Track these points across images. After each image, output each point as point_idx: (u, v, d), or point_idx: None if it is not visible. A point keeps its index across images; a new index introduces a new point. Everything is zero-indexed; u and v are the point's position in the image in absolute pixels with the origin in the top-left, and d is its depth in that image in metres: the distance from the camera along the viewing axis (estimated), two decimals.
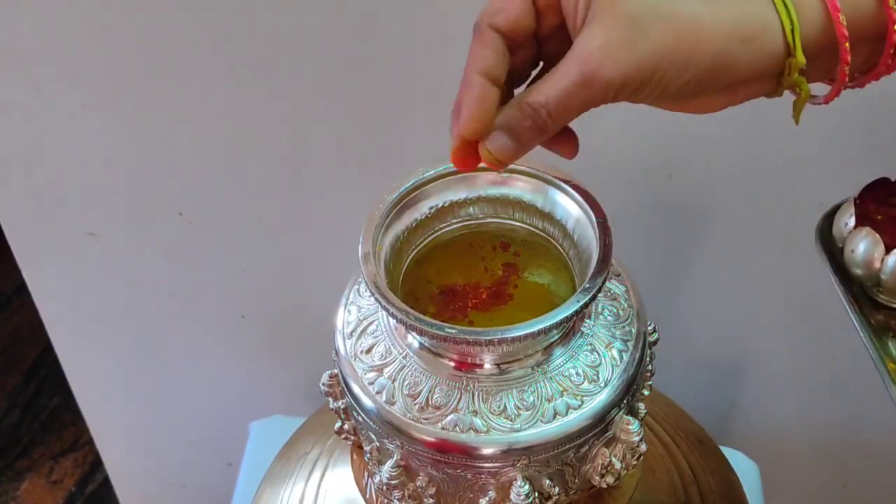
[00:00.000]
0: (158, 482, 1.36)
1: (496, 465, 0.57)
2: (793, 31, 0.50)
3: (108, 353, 1.19)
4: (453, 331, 0.54)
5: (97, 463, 1.72)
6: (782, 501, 1.26)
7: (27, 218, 1.05)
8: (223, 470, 1.28)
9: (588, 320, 0.60)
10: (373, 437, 0.60)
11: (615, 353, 0.59)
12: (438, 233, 0.63)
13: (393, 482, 0.59)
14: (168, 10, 0.88)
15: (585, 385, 0.58)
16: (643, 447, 0.60)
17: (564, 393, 0.57)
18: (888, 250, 0.65)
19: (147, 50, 0.91)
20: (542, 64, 0.56)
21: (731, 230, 1.01)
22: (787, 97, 0.59)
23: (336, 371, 0.62)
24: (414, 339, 0.59)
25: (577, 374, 0.58)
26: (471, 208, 0.63)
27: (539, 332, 0.54)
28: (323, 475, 0.75)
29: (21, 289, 1.95)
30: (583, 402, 0.57)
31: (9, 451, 1.78)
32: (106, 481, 1.63)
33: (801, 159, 0.95)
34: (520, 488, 0.57)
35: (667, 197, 0.99)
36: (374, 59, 0.91)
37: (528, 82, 0.55)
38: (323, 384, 0.64)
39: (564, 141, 0.55)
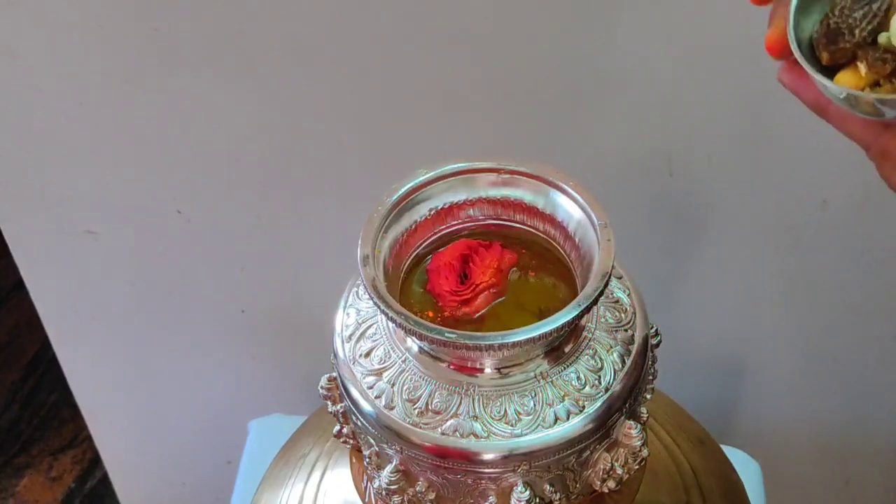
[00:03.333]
0: (157, 479, 1.37)
1: (496, 470, 0.56)
2: None
3: (107, 351, 1.19)
4: (453, 335, 0.54)
5: (96, 459, 1.71)
6: (784, 500, 1.26)
7: (25, 216, 1.05)
8: (222, 467, 1.28)
9: (590, 324, 0.59)
10: (372, 441, 0.59)
11: (617, 357, 0.59)
12: (438, 235, 0.62)
13: (392, 487, 0.59)
14: (164, 8, 0.88)
15: (587, 390, 0.57)
16: (645, 452, 0.60)
17: (565, 398, 0.57)
18: None
19: (143, 48, 0.91)
20: None
21: (732, 228, 1.01)
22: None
23: (335, 374, 0.62)
24: (413, 343, 0.59)
25: (579, 378, 0.57)
26: (471, 210, 0.62)
27: (540, 337, 0.54)
28: (322, 477, 0.75)
29: (19, 285, 1.94)
30: (584, 406, 0.57)
31: (8, 447, 1.78)
32: (105, 478, 1.63)
33: (803, 157, 0.95)
34: (520, 494, 0.57)
35: (667, 195, 0.99)
36: (374, 60, 0.91)
37: None
38: (321, 388, 0.63)
39: None
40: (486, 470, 0.57)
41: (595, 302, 0.55)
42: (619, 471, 0.59)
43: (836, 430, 1.22)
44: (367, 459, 0.61)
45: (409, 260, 0.62)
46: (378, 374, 0.59)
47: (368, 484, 0.66)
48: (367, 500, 0.66)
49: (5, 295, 1.99)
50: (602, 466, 0.59)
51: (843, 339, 1.11)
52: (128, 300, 1.12)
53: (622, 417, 0.59)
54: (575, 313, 0.54)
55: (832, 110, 0.52)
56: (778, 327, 1.11)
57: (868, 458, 1.25)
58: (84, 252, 1.07)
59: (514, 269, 0.62)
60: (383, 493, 0.59)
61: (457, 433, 0.56)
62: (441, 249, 0.62)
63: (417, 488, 0.59)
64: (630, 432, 0.59)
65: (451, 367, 0.58)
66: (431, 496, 0.59)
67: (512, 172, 0.61)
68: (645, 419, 0.62)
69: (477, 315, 0.60)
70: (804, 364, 1.14)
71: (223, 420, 1.24)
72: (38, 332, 1.82)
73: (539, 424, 0.56)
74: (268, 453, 0.83)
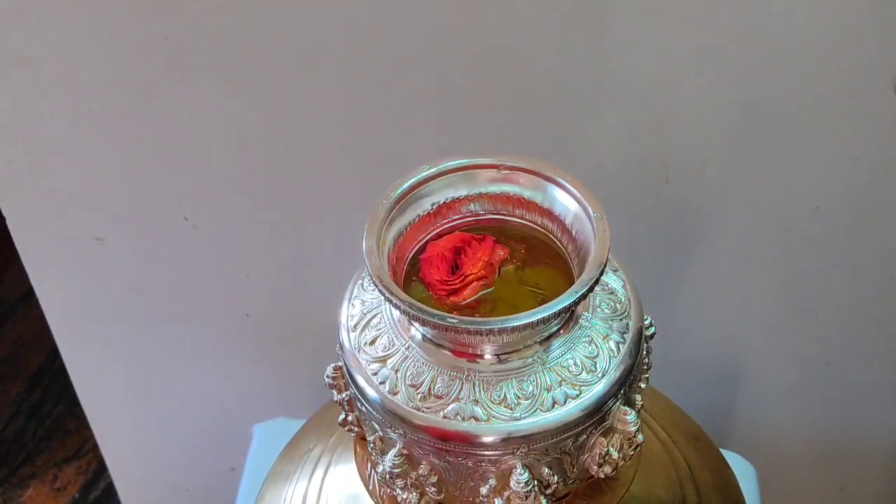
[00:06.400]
0: (162, 487, 1.37)
1: (496, 452, 0.58)
2: None
3: (113, 356, 1.20)
4: (455, 320, 0.56)
5: (101, 470, 1.73)
6: None
7: (34, 222, 1.06)
8: (226, 474, 1.29)
9: (586, 313, 0.61)
10: (376, 426, 0.61)
11: (612, 344, 0.61)
12: (439, 229, 0.64)
13: (396, 471, 0.61)
14: (173, 16, 0.90)
15: (583, 375, 0.59)
16: (640, 438, 0.62)
17: (563, 383, 0.59)
18: None
19: (152, 55, 0.92)
20: None
21: (728, 233, 1.03)
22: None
23: (340, 364, 0.64)
24: (416, 331, 0.61)
25: (576, 364, 0.59)
26: (472, 205, 0.64)
27: (539, 322, 0.56)
28: (326, 472, 0.76)
29: (25, 297, 1.97)
30: (581, 392, 0.59)
31: (12, 458, 1.79)
32: (109, 488, 1.65)
33: (796, 164, 0.97)
34: (519, 476, 0.59)
35: (664, 201, 1.00)
36: (379, 70, 0.93)
37: None
38: (327, 377, 0.65)
39: None
40: (487, 452, 0.58)
41: (591, 289, 0.57)
42: (615, 455, 0.61)
43: (832, 435, 1.23)
44: (372, 446, 0.63)
45: (412, 253, 0.64)
46: (382, 361, 0.61)
47: (372, 471, 0.67)
48: (370, 487, 0.68)
49: (11, 307, 2.00)
50: (598, 451, 0.61)
51: (838, 344, 1.12)
52: (134, 305, 1.13)
53: (618, 403, 0.60)
54: (571, 300, 0.56)
55: None
56: (773, 332, 1.12)
57: (864, 464, 1.26)
58: (91, 258, 1.09)
59: (514, 261, 0.64)
60: (387, 477, 0.61)
61: (458, 416, 0.58)
62: (436, 240, 0.64)
63: (420, 472, 0.61)
64: (625, 418, 0.61)
65: (453, 353, 0.59)
66: (433, 479, 0.61)
67: (512, 168, 0.63)
68: (640, 406, 0.64)
69: (464, 303, 0.62)
70: (799, 368, 1.16)
71: (228, 424, 1.25)
72: (44, 343, 1.85)
73: (537, 408, 0.58)
74: (272, 457, 0.84)
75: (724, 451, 0.84)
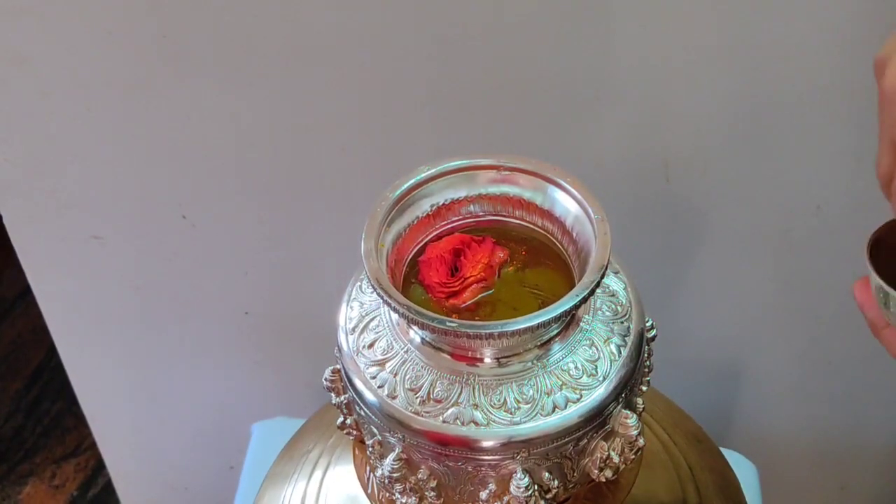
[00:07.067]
0: (160, 485, 1.37)
1: (496, 457, 0.58)
2: None
3: (111, 355, 1.19)
4: (454, 324, 0.55)
5: (99, 467, 1.72)
6: (780, 503, 1.27)
7: (32, 221, 1.06)
8: (225, 472, 1.28)
9: (587, 316, 0.61)
10: (375, 430, 0.61)
11: (613, 348, 0.60)
12: (439, 230, 0.64)
13: (395, 475, 0.60)
14: (171, 14, 0.89)
15: (584, 379, 0.59)
16: (641, 441, 0.62)
17: (563, 387, 0.58)
18: None
19: (151, 54, 0.92)
20: None
21: (729, 233, 1.02)
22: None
23: (338, 366, 0.63)
24: (415, 334, 0.60)
25: (576, 368, 0.59)
26: (471, 206, 0.64)
27: (539, 326, 0.55)
28: (325, 473, 0.76)
29: (23, 294, 1.97)
30: (581, 395, 0.58)
31: (11, 455, 1.79)
32: (108, 485, 1.64)
33: (797, 163, 0.96)
34: (519, 480, 0.58)
35: (665, 200, 1.00)
36: (378, 70, 0.92)
37: None
38: (325, 379, 0.65)
39: None
40: (486, 457, 0.58)
41: (592, 292, 0.56)
42: (616, 459, 0.61)
43: (833, 435, 1.22)
44: (370, 449, 0.62)
45: (411, 254, 0.63)
46: (381, 364, 0.60)
47: (371, 474, 0.67)
48: (369, 491, 0.68)
49: (10, 305, 2.00)
50: (599, 455, 0.60)
51: (839, 344, 1.12)
52: (133, 304, 1.13)
53: (619, 407, 0.60)
54: (572, 303, 0.56)
55: (885, 334, 0.54)
56: (774, 332, 1.12)
57: (864, 463, 1.26)
58: (90, 257, 1.08)
59: (514, 263, 0.63)
60: (386, 481, 0.61)
61: (457, 421, 0.58)
62: (436, 242, 0.63)
63: (419, 476, 0.60)
64: (626, 422, 0.60)
65: (452, 357, 0.59)
66: (433, 484, 0.60)
67: (511, 169, 0.63)
68: (641, 409, 0.63)
69: (464, 306, 0.61)
70: (800, 368, 1.15)
71: (226, 423, 1.24)
72: (43, 341, 1.84)
73: (538, 413, 0.58)
74: (271, 456, 0.84)
75: (725, 451, 0.83)
